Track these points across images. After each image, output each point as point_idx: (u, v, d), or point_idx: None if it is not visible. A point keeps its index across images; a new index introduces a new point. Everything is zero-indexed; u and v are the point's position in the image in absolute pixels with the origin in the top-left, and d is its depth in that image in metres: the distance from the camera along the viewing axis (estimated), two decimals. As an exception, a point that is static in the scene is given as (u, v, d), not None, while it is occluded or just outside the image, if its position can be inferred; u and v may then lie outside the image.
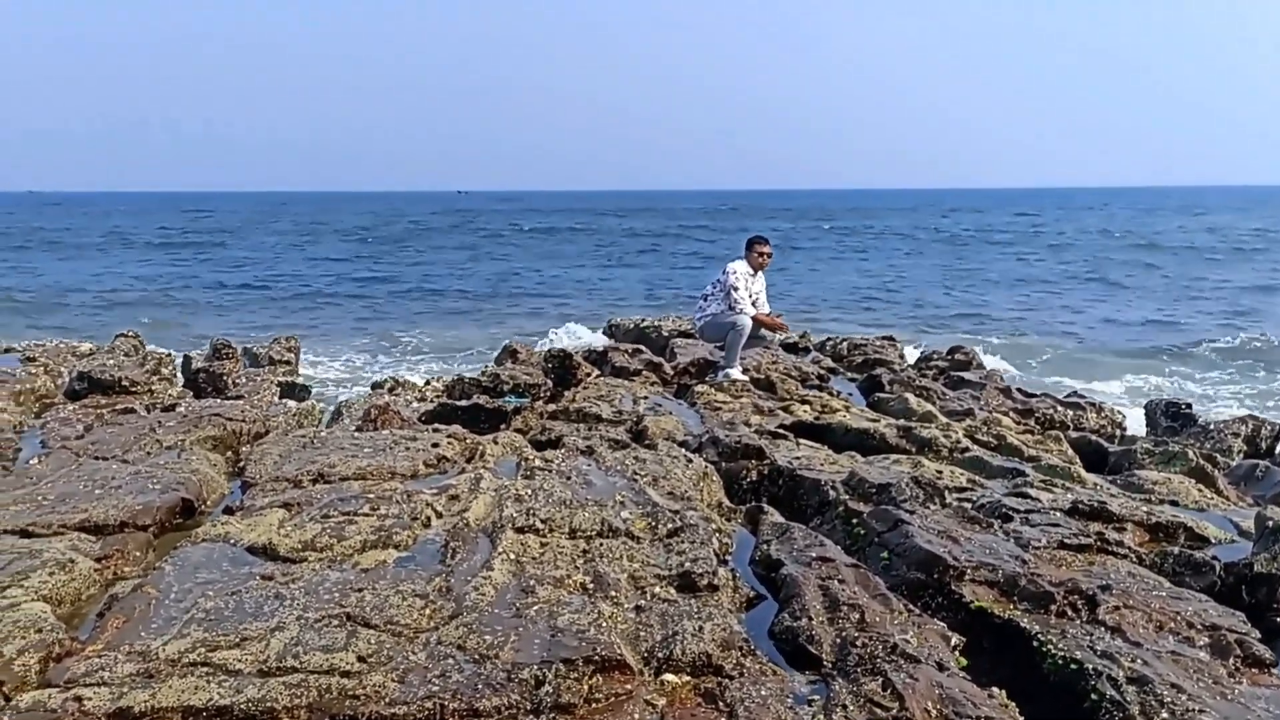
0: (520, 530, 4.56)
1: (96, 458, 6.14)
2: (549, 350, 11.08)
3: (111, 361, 9.99)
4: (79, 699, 3.15)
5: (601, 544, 4.44)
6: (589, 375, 10.14)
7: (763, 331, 10.38)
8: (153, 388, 9.43)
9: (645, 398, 8.29)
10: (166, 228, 73.12)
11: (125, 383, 9.23)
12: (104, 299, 31.05)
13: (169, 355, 11.09)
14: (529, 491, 5.05)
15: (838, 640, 3.70)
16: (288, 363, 12.92)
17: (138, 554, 4.79)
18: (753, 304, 10.08)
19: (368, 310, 29.00)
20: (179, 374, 11.13)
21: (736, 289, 10.02)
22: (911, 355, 14.48)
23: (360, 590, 3.97)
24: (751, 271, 10.18)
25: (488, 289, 34.65)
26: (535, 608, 3.79)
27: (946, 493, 5.47)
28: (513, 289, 34.69)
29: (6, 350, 11.72)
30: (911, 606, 4.04)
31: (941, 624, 3.94)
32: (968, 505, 5.28)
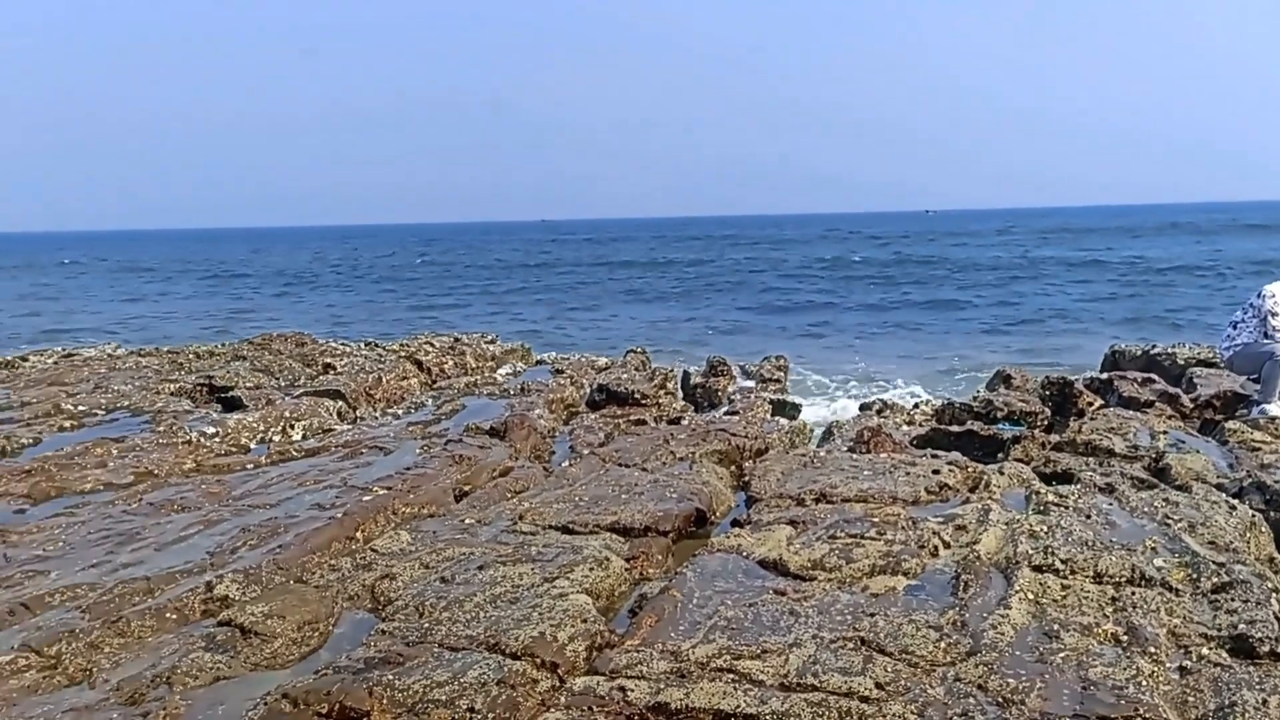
0: (1038, 569, 4.30)
1: (620, 464, 6.71)
2: (1047, 377, 10.43)
3: (625, 375, 10.92)
4: (623, 689, 3.43)
5: (1133, 593, 4.06)
6: (1091, 405, 9.42)
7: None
8: (659, 400, 10.17)
9: (1164, 432, 7.51)
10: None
11: (637, 395, 10.04)
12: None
13: (671, 370, 11.91)
14: (1044, 528, 4.75)
15: None
16: (777, 381, 13.34)
17: (659, 557, 5.15)
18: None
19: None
20: (678, 388, 11.90)
21: (1276, 314, 8.78)
22: None
23: (872, 615, 3.95)
24: (1292, 295, 8.86)
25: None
26: (1061, 655, 3.54)
27: None
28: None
29: (538, 362, 13.28)
30: None
31: None
32: None
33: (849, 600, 4.14)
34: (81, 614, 4.24)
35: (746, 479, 6.59)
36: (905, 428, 9.32)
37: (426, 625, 4.08)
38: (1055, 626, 3.76)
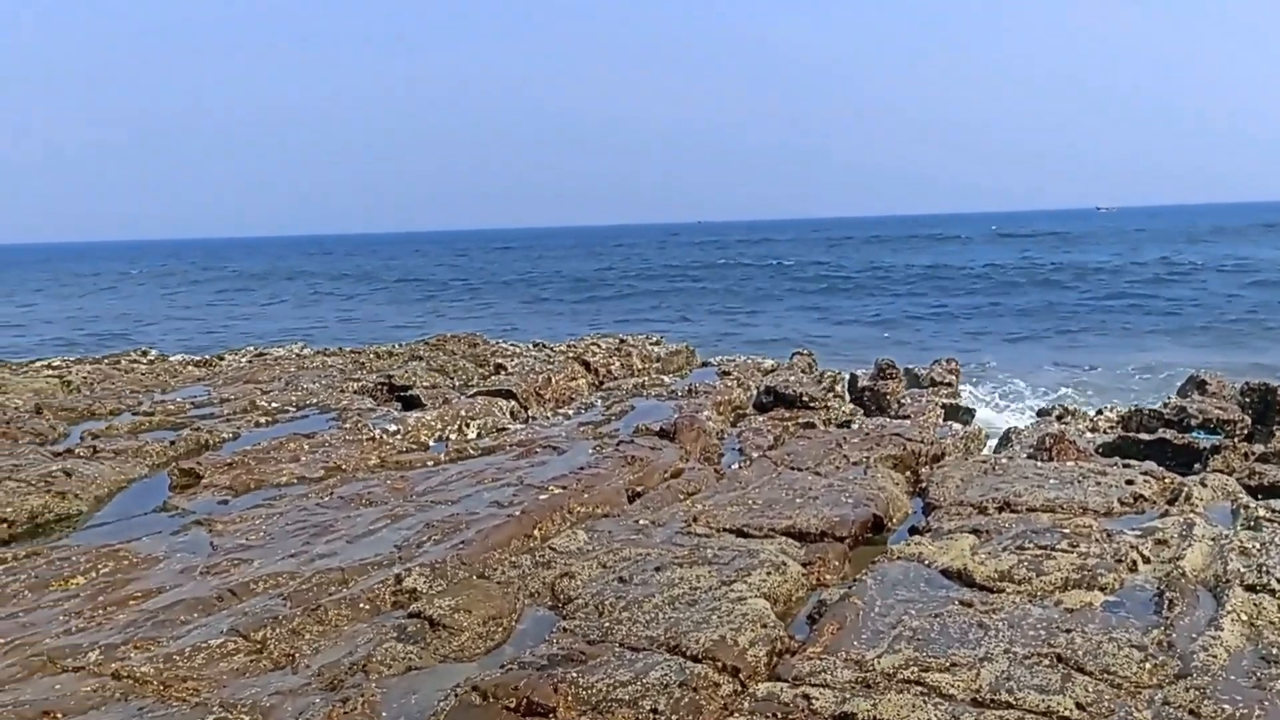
0: (1251, 589, 4.03)
1: (792, 468, 6.64)
2: (1247, 383, 9.79)
3: (792, 378, 10.81)
4: (807, 697, 3.38)
5: (1361, 618, 3.76)
6: (1298, 412, 8.79)
7: None
8: (828, 403, 10.02)
9: (1384, 444, 6.96)
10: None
11: (805, 398, 9.92)
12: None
13: (839, 373, 11.72)
14: (1256, 545, 4.45)
15: None
16: (949, 385, 12.97)
17: (836, 563, 5.07)
18: None
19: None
20: (845, 391, 11.71)
21: None
22: None
23: (1068, 631, 3.78)
24: None
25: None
26: (1281, 682, 3.31)
27: None
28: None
29: (704, 364, 13.29)
30: None
31: None
32: None
33: (1041, 614, 3.97)
34: (283, 601, 4.46)
35: (924, 485, 6.42)
36: (1089, 435, 8.91)
37: (607, 624, 4.12)
38: (1274, 651, 3.51)
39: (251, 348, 15.48)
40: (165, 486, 6.76)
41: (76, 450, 7.22)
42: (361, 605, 4.50)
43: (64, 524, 6.01)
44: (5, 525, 5.75)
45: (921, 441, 7.31)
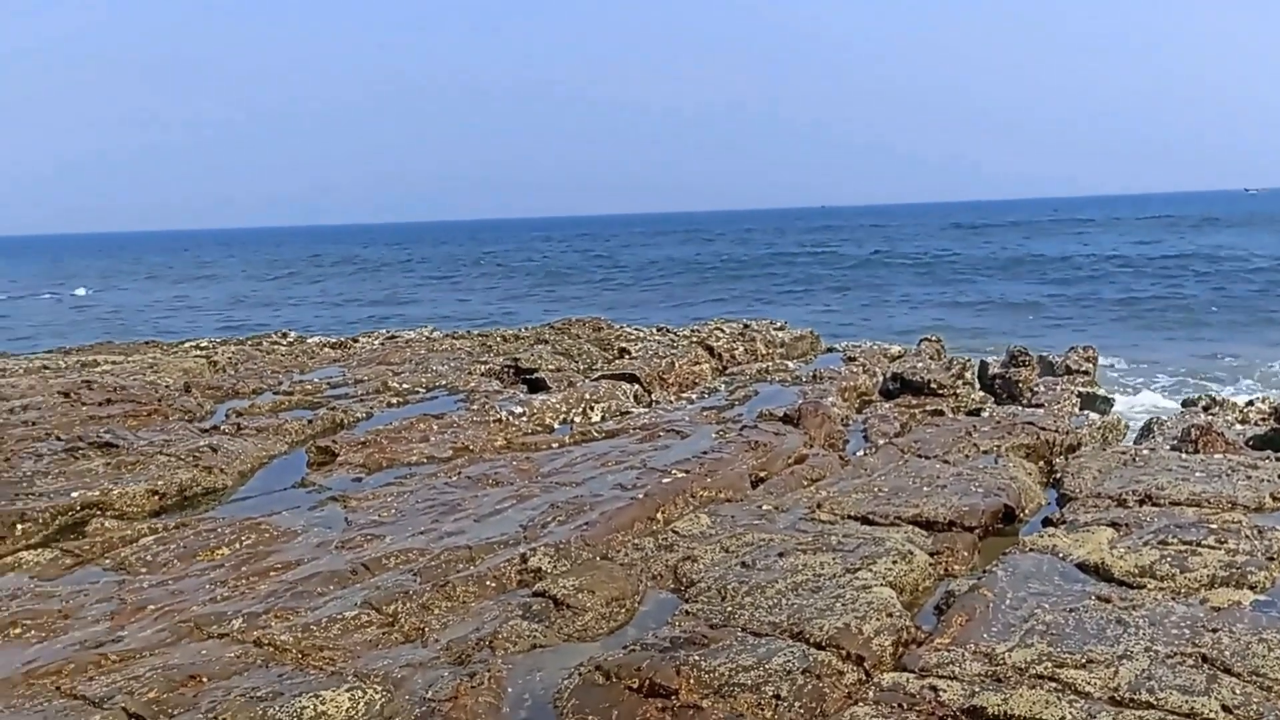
0: None
1: (920, 455, 6.51)
2: None
3: (920, 364, 10.59)
4: (934, 689, 3.31)
5: None
6: None
7: None
8: (957, 391, 9.77)
9: None
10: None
11: (934, 385, 9.70)
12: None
13: (968, 360, 11.42)
14: None
15: None
16: (1085, 373, 12.51)
17: (965, 553, 4.94)
18: None
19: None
20: (975, 379, 11.40)
21: None
22: None
23: (1214, 631, 3.60)
24: None
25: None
26: None
27: None
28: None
29: (828, 350, 13.12)
30: None
31: None
32: None
33: (1185, 612, 3.80)
34: (413, 577, 4.58)
35: (1058, 476, 6.21)
36: (1239, 427, 8.48)
37: (729, 609, 4.11)
38: None
39: (384, 330, 15.95)
40: (303, 463, 7.02)
41: (222, 427, 7.56)
42: (488, 583, 4.59)
43: (210, 497, 6.29)
44: (157, 497, 6.04)
45: (1056, 430, 7.06)
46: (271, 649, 3.89)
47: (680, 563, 4.72)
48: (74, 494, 5.82)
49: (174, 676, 3.60)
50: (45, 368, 11.18)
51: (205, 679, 3.62)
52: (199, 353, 12.38)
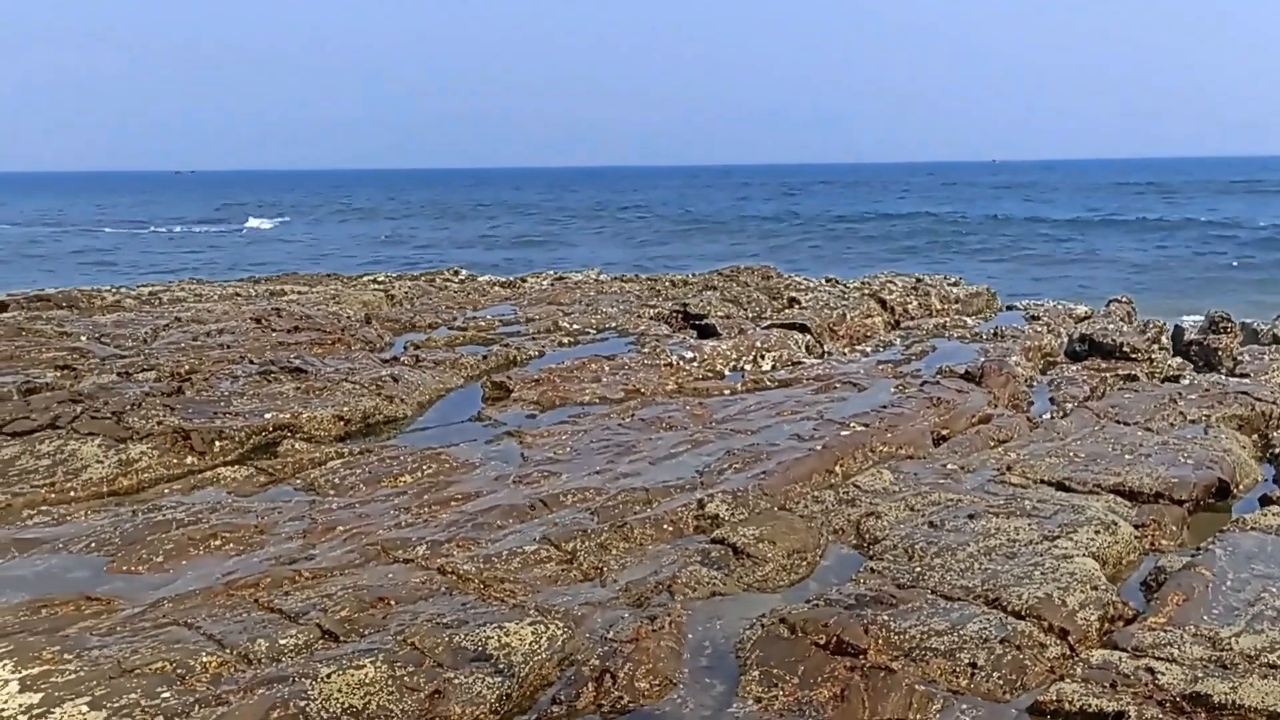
0: None
1: (1118, 421, 6.12)
2: None
3: (1111, 326, 9.99)
4: (1151, 670, 3.07)
5: None
6: None
7: None
8: (1152, 356, 9.18)
9: None
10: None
11: (1126, 348, 9.13)
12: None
13: (1164, 324, 10.73)
14: None
15: None
16: (1296, 342, 11.61)
17: (1173, 528, 4.61)
18: None
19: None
20: (1169, 344, 10.70)
21: None
22: None
23: None
24: None
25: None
26: None
27: None
28: None
29: (1007, 308, 12.54)
30: None
31: None
32: None
33: None
34: (590, 515, 4.56)
35: (1276, 451, 5.73)
36: None
37: (918, 570, 3.93)
38: None
39: (552, 271, 16.11)
40: (478, 398, 7.12)
41: (401, 359, 7.73)
42: (665, 526, 4.53)
43: (391, 426, 6.44)
44: (342, 422, 6.22)
45: (1274, 402, 6.52)
46: (455, 577, 3.93)
47: (863, 518, 4.55)
48: (267, 415, 6.04)
49: (364, 597, 3.67)
50: (237, 294, 11.73)
51: (393, 601, 3.67)
52: (376, 286, 12.75)
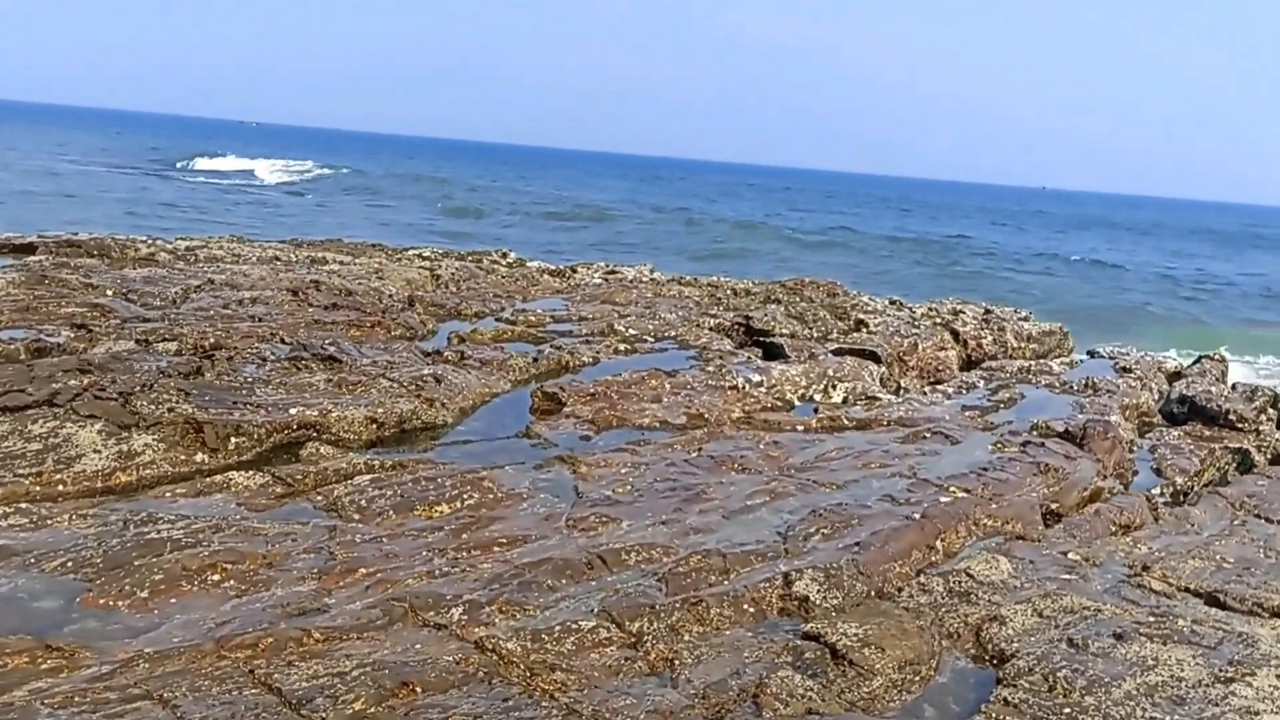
0: None
1: (1258, 516, 5.33)
2: None
3: (1214, 389, 9.13)
4: None
5: None
6: None
7: None
8: (1259, 428, 8.34)
9: None
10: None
11: (1232, 416, 8.30)
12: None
13: (1273, 390, 9.84)
14: None
15: None
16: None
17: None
18: None
19: None
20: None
21: None
22: None
23: None
24: None
25: None
26: None
27: None
28: None
29: (1090, 354, 11.67)
30: None
31: None
32: None
33: None
34: (658, 583, 3.84)
35: None
36: None
37: (1066, 710, 3.17)
38: None
39: (604, 263, 15.37)
40: (527, 407, 6.43)
41: (445, 353, 7.04)
42: (745, 606, 3.80)
43: (428, 434, 5.76)
44: (375, 426, 5.55)
45: None
46: (495, 657, 3.23)
47: (984, 623, 3.80)
48: (292, 410, 5.37)
49: (384, 680, 2.97)
50: (277, 259, 11.09)
51: (419, 689, 2.98)
52: (423, 263, 12.08)
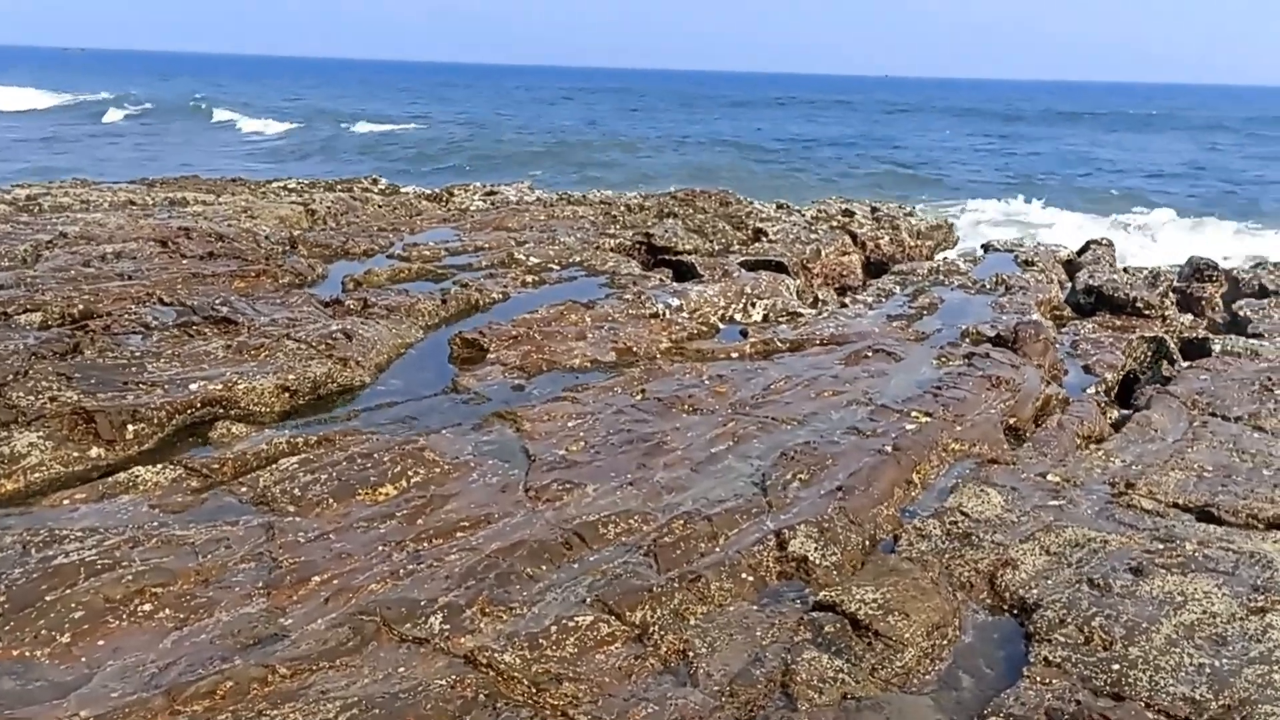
0: None
1: (1215, 415, 5.27)
2: None
3: (1118, 277, 9.18)
4: None
5: None
6: None
7: None
8: (1165, 313, 8.43)
9: None
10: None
11: (1139, 303, 8.36)
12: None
13: (1166, 271, 9.99)
14: None
15: None
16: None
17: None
18: None
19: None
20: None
21: None
22: None
23: None
24: None
25: None
26: None
27: None
28: None
29: (987, 249, 11.67)
30: None
31: None
32: None
33: None
34: (646, 559, 3.49)
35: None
36: None
37: (1115, 667, 2.96)
38: None
39: (478, 184, 14.66)
40: (444, 356, 5.94)
41: (347, 303, 6.44)
42: (743, 575, 3.49)
43: (346, 396, 5.23)
44: (288, 395, 4.99)
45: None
46: (494, 674, 2.83)
47: (997, 569, 3.57)
48: (192, 386, 4.76)
49: (375, 723, 2.55)
50: (131, 202, 10.14)
51: (417, 728, 2.57)
52: (293, 197, 11.24)
